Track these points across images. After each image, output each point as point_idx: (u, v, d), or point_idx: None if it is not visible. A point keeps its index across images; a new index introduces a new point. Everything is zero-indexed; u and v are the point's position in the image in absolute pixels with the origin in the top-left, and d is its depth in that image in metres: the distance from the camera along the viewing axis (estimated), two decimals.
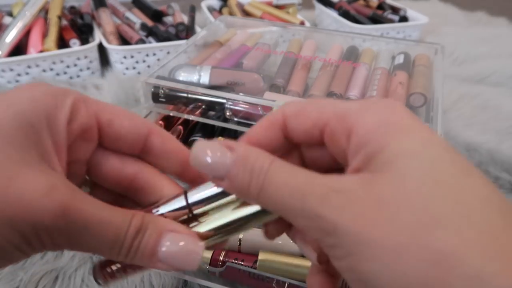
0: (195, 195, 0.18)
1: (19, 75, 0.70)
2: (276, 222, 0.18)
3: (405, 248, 0.12)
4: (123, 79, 0.73)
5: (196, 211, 0.18)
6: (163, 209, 0.18)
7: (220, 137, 0.51)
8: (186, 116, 0.50)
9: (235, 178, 0.15)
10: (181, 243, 0.17)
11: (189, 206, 0.18)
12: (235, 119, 0.47)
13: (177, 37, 0.82)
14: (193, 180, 0.20)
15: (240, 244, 0.37)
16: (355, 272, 0.14)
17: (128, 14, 0.84)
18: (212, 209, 0.18)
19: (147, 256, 0.16)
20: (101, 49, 0.77)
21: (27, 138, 0.15)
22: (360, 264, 0.13)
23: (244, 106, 0.46)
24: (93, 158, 0.20)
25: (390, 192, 0.14)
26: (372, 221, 0.13)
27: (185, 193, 0.18)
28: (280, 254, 0.36)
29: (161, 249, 0.16)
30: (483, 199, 0.13)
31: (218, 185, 0.17)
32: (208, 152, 0.16)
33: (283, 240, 0.37)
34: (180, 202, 0.18)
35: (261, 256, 0.35)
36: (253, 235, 0.38)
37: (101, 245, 0.16)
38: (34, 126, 0.16)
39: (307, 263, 0.35)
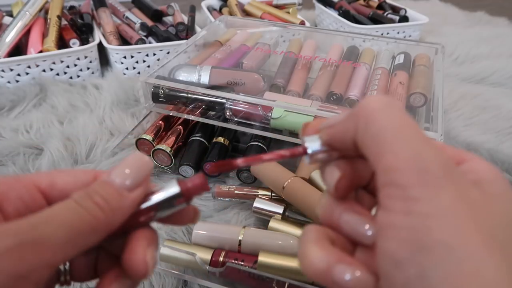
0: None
1: (19, 75, 0.70)
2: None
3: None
4: (123, 79, 0.73)
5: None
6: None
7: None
8: (186, 116, 0.50)
9: None
10: (122, 168, 0.18)
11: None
12: (235, 119, 0.47)
13: (177, 37, 0.82)
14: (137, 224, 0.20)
15: (240, 244, 0.37)
16: (421, 234, 0.14)
17: (128, 14, 0.84)
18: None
19: (118, 199, 0.18)
20: (101, 49, 0.77)
21: None
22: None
23: (244, 106, 0.46)
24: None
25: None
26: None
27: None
28: (280, 254, 0.36)
29: (116, 182, 0.18)
30: None
31: None
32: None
33: (283, 240, 0.37)
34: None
35: (261, 256, 0.35)
36: (253, 235, 0.38)
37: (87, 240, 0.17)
38: None
39: None
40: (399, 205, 0.15)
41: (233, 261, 0.36)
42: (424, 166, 0.15)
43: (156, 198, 0.19)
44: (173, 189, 0.19)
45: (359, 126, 0.17)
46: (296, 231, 0.39)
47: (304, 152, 0.19)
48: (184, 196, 0.19)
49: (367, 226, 0.17)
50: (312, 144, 0.19)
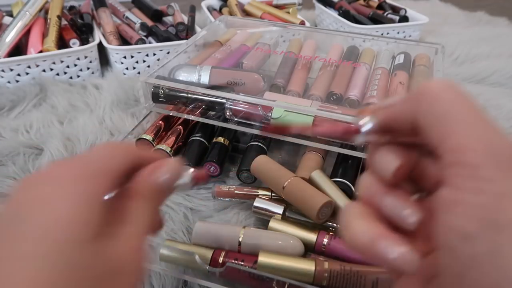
0: None
1: (19, 75, 0.70)
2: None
3: None
4: (123, 79, 0.73)
5: None
6: None
7: None
8: (186, 116, 0.50)
9: None
10: (160, 173, 0.22)
11: None
12: (235, 119, 0.47)
13: (177, 37, 0.82)
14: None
15: (240, 244, 0.37)
16: (493, 212, 0.14)
17: (128, 14, 0.84)
18: None
19: (162, 198, 0.22)
20: (101, 49, 0.77)
21: None
22: None
23: (244, 106, 0.46)
24: None
25: None
26: None
27: None
28: (280, 254, 0.36)
29: (161, 188, 0.22)
30: None
31: None
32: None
33: (283, 240, 0.37)
34: None
35: (261, 256, 0.35)
36: (253, 235, 0.38)
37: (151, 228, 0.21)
38: None
39: (307, 263, 0.35)
40: (470, 183, 0.15)
41: (233, 261, 0.36)
42: (496, 147, 0.15)
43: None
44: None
45: (423, 106, 0.17)
46: (296, 231, 0.39)
47: (358, 130, 0.19)
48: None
49: (410, 212, 0.17)
50: (366, 124, 0.19)
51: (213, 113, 0.48)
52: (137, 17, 0.83)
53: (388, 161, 0.18)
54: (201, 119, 0.49)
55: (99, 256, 0.16)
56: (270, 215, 0.41)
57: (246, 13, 1.00)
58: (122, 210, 0.19)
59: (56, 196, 0.16)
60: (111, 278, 0.16)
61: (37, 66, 0.70)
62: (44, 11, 0.79)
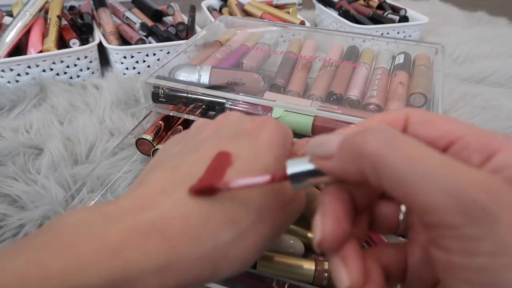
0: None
1: (19, 75, 0.70)
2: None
3: None
4: (123, 79, 0.73)
5: None
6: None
7: None
8: (186, 116, 0.50)
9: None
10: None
11: None
12: None
13: (177, 37, 0.82)
14: None
15: None
16: (493, 276, 0.13)
17: (128, 14, 0.84)
18: None
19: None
20: (101, 49, 0.77)
21: None
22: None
23: (244, 106, 0.46)
24: None
25: None
26: None
27: None
28: (280, 254, 0.36)
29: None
30: None
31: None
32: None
33: (284, 240, 0.37)
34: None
35: (261, 256, 0.35)
36: None
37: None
38: None
39: (307, 263, 0.35)
40: (458, 245, 0.13)
41: None
42: (467, 199, 0.13)
43: None
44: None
45: (368, 170, 0.15)
46: (296, 231, 0.39)
47: (283, 177, 0.18)
48: None
49: (345, 277, 0.18)
50: (297, 166, 0.18)
51: (213, 113, 0.48)
52: (137, 17, 0.83)
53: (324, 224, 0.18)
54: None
55: (281, 188, 0.20)
56: None
57: (246, 13, 1.00)
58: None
59: (262, 144, 0.21)
60: (289, 203, 0.21)
61: (37, 66, 0.70)
62: (44, 11, 0.79)
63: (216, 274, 0.17)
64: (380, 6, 1.06)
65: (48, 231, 0.15)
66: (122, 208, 0.17)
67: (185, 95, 0.48)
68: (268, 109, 0.45)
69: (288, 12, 0.98)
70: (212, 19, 0.91)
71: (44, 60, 0.70)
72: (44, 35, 0.73)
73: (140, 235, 0.15)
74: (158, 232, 0.16)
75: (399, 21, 0.94)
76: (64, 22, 0.78)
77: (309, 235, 0.38)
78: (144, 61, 0.76)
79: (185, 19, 0.87)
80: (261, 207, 0.19)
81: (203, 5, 1.01)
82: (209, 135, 0.23)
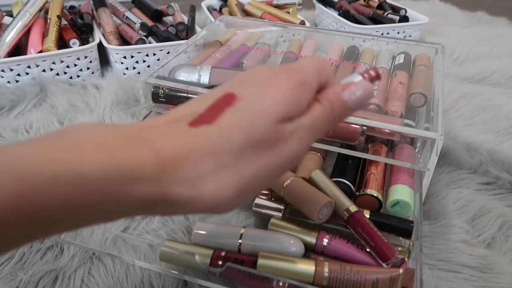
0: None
1: (19, 75, 0.70)
2: None
3: None
4: (123, 79, 0.73)
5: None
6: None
7: None
8: None
9: None
10: (354, 89, 0.23)
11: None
12: None
13: (177, 37, 0.82)
14: None
15: (240, 244, 0.37)
16: None
17: (128, 14, 0.84)
18: None
19: (344, 113, 0.24)
20: (101, 49, 0.77)
21: None
22: None
23: None
24: None
25: None
26: None
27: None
28: (280, 254, 0.36)
29: (348, 103, 0.23)
30: None
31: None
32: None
33: (283, 240, 0.37)
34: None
35: (261, 256, 0.35)
36: (253, 235, 0.38)
37: (323, 131, 0.23)
38: None
39: (307, 263, 0.35)
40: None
41: (233, 261, 0.36)
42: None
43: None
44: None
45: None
46: (296, 231, 0.39)
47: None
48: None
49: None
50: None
51: None
52: (137, 17, 0.83)
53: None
54: None
55: (269, 129, 0.20)
56: (270, 215, 0.41)
57: (246, 13, 1.00)
58: (307, 105, 0.23)
59: (271, 90, 0.21)
60: (279, 145, 0.21)
61: (37, 66, 0.70)
62: (44, 11, 0.79)
63: (194, 203, 0.19)
64: (380, 6, 1.06)
65: (61, 133, 0.18)
66: (127, 127, 0.19)
67: (185, 95, 0.48)
68: None
69: (288, 12, 0.98)
70: (212, 19, 0.91)
71: (44, 60, 0.70)
72: (44, 35, 0.73)
73: (134, 146, 0.18)
74: (150, 148, 0.18)
75: (399, 21, 0.94)
76: (64, 22, 0.78)
77: (309, 235, 0.38)
78: (144, 61, 0.76)
79: (185, 19, 0.87)
80: (244, 145, 0.20)
81: (203, 5, 1.01)
82: (231, 82, 0.24)
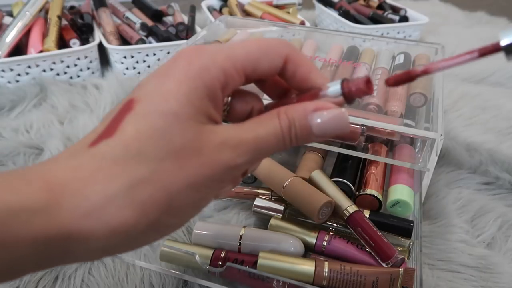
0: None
1: (19, 75, 0.70)
2: None
3: None
4: (123, 79, 0.73)
5: None
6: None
7: None
8: None
9: None
10: (325, 114, 0.19)
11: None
12: None
13: (177, 37, 0.82)
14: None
15: (240, 244, 0.37)
16: None
17: (128, 14, 0.84)
18: None
19: (305, 138, 0.20)
20: (101, 49, 0.77)
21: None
22: None
23: None
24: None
25: None
26: None
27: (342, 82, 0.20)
28: (280, 255, 0.36)
29: (312, 128, 0.19)
30: None
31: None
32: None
33: (283, 240, 0.37)
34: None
35: (261, 256, 0.35)
36: (253, 235, 0.38)
37: (271, 150, 0.20)
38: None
39: (307, 263, 0.35)
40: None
41: (233, 261, 0.36)
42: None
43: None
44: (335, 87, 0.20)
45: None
46: (296, 231, 0.39)
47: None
48: (345, 97, 0.20)
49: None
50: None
51: None
52: (137, 17, 0.83)
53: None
54: None
55: (197, 132, 0.18)
56: (270, 215, 0.41)
57: (246, 13, 1.00)
58: (261, 115, 0.20)
59: (167, 82, 0.18)
60: (212, 150, 0.18)
61: (37, 66, 0.70)
62: (44, 11, 0.79)
63: (99, 234, 0.16)
64: (380, 6, 1.06)
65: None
66: (31, 167, 0.17)
67: None
68: None
69: (288, 12, 0.98)
70: (212, 19, 0.91)
71: (44, 60, 0.70)
72: (44, 35, 0.73)
73: (24, 180, 0.16)
74: (40, 179, 0.16)
75: (399, 21, 0.94)
76: (64, 22, 0.78)
77: (309, 235, 0.38)
78: (144, 61, 0.76)
79: (185, 19, 0.87)
80: (159, 152, 0.17)
81: (203, 5, 1.01)
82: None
